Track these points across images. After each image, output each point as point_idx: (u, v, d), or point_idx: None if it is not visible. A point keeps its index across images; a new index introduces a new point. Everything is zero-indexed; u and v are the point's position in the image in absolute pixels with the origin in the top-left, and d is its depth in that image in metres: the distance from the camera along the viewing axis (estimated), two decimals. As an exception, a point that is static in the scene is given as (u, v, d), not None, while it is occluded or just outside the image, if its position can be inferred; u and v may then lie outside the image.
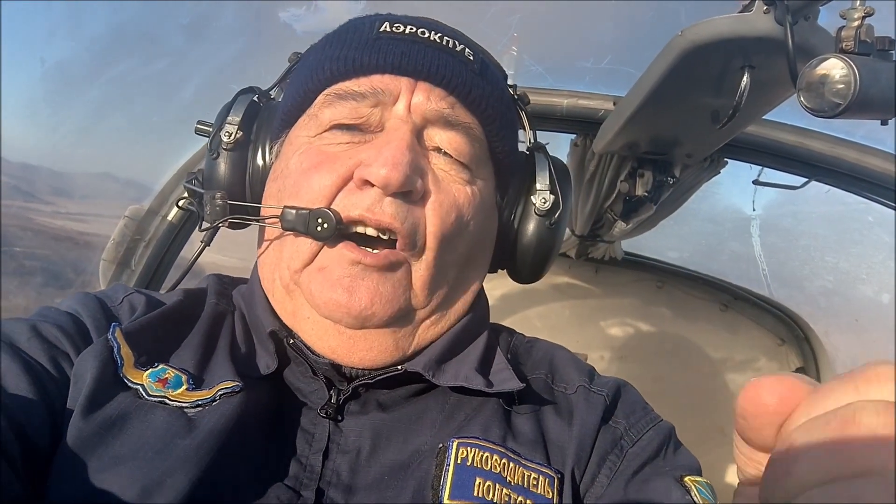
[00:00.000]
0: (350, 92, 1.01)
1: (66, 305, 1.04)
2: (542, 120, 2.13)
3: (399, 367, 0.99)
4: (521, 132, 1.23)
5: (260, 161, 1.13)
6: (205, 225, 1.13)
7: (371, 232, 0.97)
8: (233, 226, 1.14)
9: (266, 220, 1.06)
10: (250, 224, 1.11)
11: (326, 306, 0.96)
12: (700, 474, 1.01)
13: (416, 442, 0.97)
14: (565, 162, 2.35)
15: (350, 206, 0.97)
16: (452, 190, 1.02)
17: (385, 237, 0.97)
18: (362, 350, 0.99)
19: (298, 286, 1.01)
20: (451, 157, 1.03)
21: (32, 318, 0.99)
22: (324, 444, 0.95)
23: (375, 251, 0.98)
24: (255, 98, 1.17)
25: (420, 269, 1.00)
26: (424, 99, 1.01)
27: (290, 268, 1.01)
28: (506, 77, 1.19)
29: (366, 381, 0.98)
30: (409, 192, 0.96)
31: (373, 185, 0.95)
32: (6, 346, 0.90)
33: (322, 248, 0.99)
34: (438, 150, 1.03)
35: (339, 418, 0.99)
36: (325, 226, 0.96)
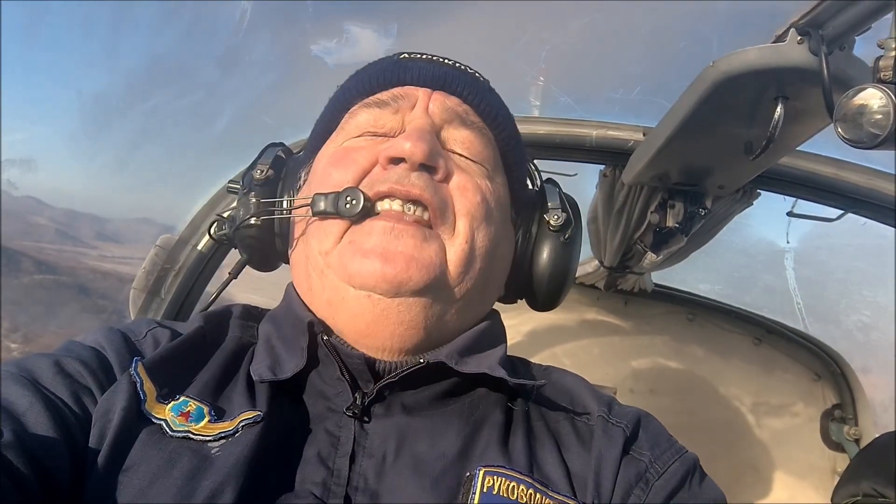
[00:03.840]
0: (374, 101, 1.12)
1: (91, 339, 1.05)
2: (571, 150, 2.12)
3: (422, 360, 1.00)
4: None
5: (286, 202, 1.18)
6: (240, 230, 1.19)
7: (397, 206, 1.01)
8: (262, 229, 1.19)
9: (295, 210, 1.12)
10: (280, 218, 1.17)
11: (360, 275, 0.98)
12: None
13: (443, 446, 0.96)
14: (594, 192, 2.35)
15: (377, 182, 1.02)
16: (475, 177, 1.08)
17: (411, 211, 1.01)
18: (394, 323, 1.00)
19: (331, 268, 1.03)
20: (467, 156, 1.10)
21: (56, 353, 0.99)
22: (350, 448, 0.95)
23: (409, 218, 1.02)
24: (279, 152, 1.25)
25: (454, 248, 1.03)
26: (440, 104, 1.11)
27: (320, 251, 1.05)
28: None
29: (390, 380, 0.98)
30: (435, 170, 1.03)
31: (397, 164, 1.02)
32: (29, 383, 0.91)
33: (350, 226, 1.03)
34: (455, 150, 1.10)
35: (366, 420, 0.99)
36: (354, 202, 1.00)
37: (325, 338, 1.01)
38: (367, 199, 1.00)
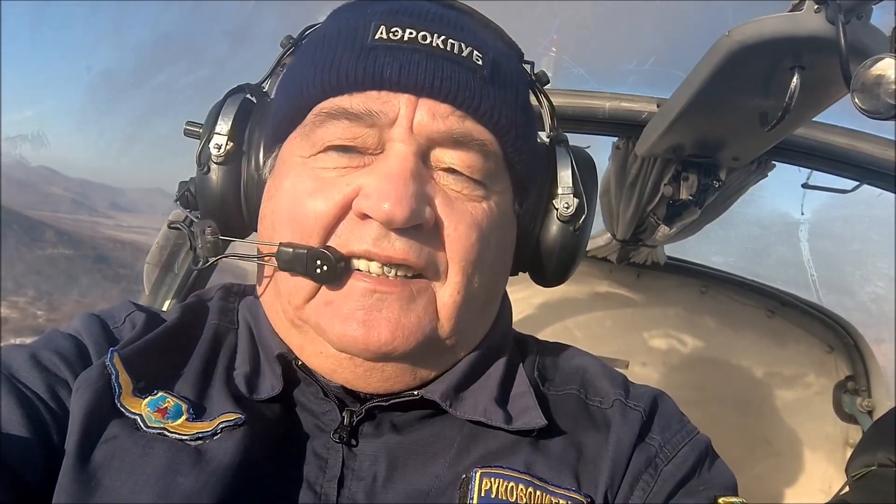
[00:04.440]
0: (342, 110, 0.90)
1: (71, 328, 1.02)
2: (584, 122, 2.11)
3: (416, 393, 0.95)
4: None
5: (255, 172, 1.04)
6: (200, 260, 1.06)
7: (375, 268, 0.89)
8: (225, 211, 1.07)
9: (262, 257, 0.98)
10: (245, 259, 1.04)
11: (341, 341, 0.90)
12: (735, 492, 0.98)
13: (435, 466, 0.93)
14: (607, 165, 2.33)
15: (353, 240, 0.89)
16: (468, 209, 0.93)
17: (391, 273, 0.90)
18: (378, 381, 0.95)
19: (305, 321, 0.94)
20: (462, 174, 0.93)
21: (34, 345, 0.96)
22: (338, 471, 0.91)
23: (392, 278, 0.90)
24: (246, 96, 1.08)
25: (445, 297, 0.93)
26: (429, 118, 0.90)
27: (291, 303, 0.95)
28: (521, 56, 1.09)
29: (379, 403, 0.94)
30: (419, 226, 0.89)
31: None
32: (4, 378, 0.88)
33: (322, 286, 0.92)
34: (448, 169, 0.93)
35: (354, 442, 0.94)
36: (325, 268, 0.88)
37: (301, 363, 0.96)
38: (338, 259, 0.89)
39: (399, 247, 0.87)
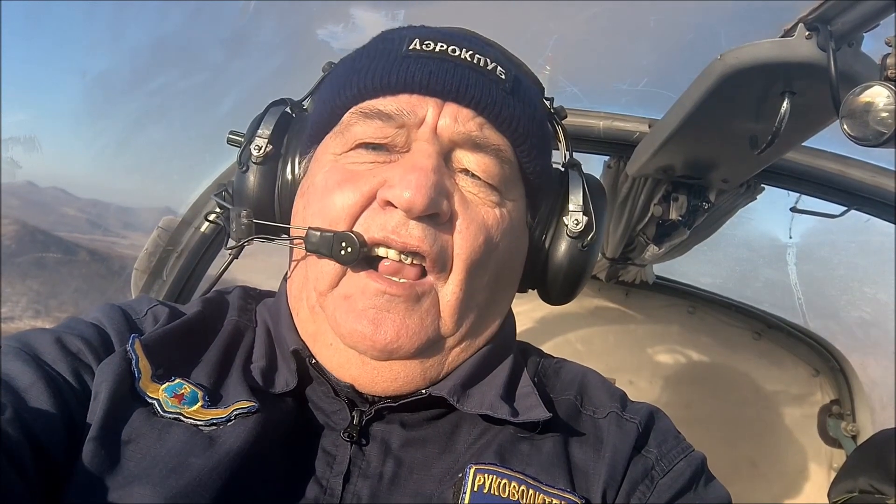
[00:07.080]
0: (376, 111, 0.99)
1: (92, 317, 1.04)
2: (576, 141, 2.11)
3: (424, 392, 0.98)
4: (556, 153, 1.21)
5: (289, 175, 1.12)
6: (231, 243, 1.13)
7: (393, 255, 0.96)
8: (261, 206, 1.13)
9: (291, 241, 1.05)
10: (276, 243, 1.10)
11: (351, 337, 0.95)
12: None
13: (440, 469, 0.95)
14: (598, 184, 2.34)
15: (374, 227, 0.95)
16: (481, 212, 0.99)
17: (408, 261, 0.96)
18: (386, 380, 0.98)
19: (323, 310, 1.00)
20: (479, 179, 1.00)
21: (57, 330, 0.99)
22: (345, 467, 0.94)
23: (401, 280, 0.96)
24: (286, 110, 1.16)
25: (448, 295, 0.98)
26: (452, 121, 0.98)
27: (316, 289, 1.00)
28: (542, 90, 1.17)
29: (389, 405, 0.97)
30: (436, 215, 0.95)
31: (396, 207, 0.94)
32: (31, 359, 0.91)
33: (346, 271, 0.98)
34: (466, 171, 1.00)
35: (364, 442, 0.97)
36: (349, 250, 0.95)
37: (314, 361, 1.00)
38: (362, 244, 0.95)
39: (415, 234, 0.94)
